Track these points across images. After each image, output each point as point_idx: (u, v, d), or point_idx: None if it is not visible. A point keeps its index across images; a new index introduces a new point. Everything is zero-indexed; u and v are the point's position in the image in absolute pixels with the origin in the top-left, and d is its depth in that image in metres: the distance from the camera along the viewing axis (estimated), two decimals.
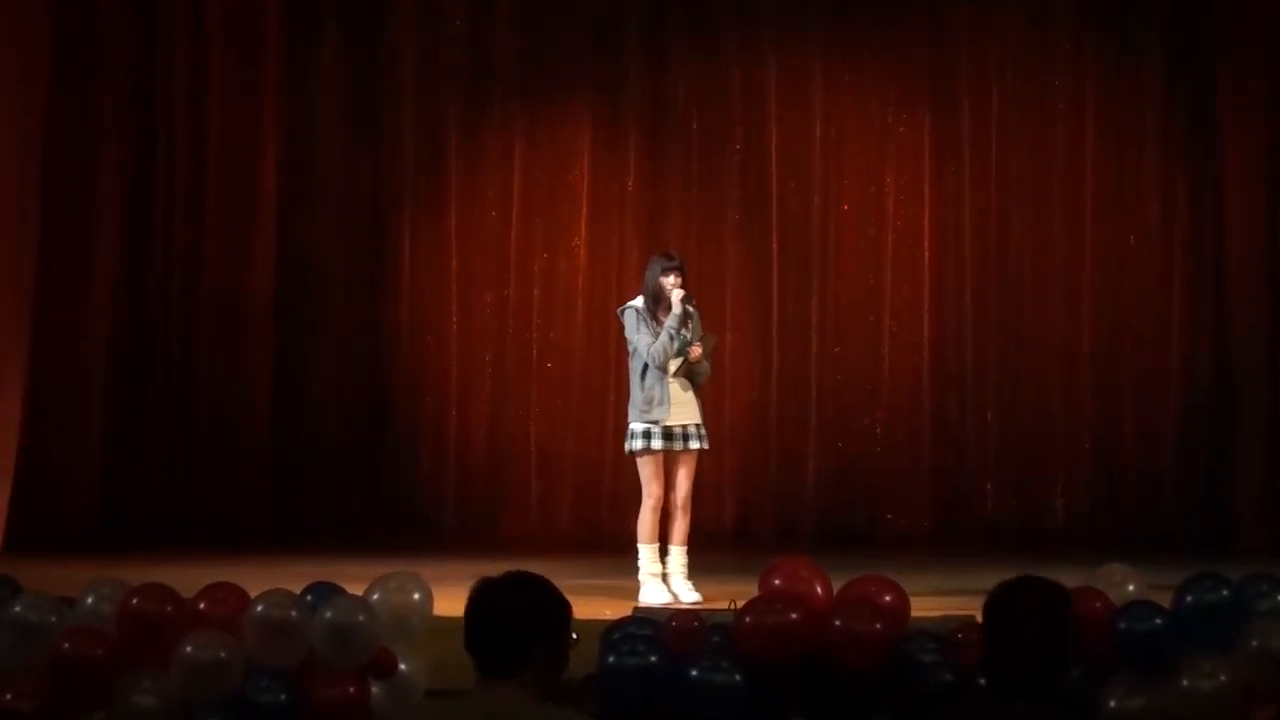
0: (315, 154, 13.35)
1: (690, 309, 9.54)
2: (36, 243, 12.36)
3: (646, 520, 9.48)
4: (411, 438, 13.34)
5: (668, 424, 9.37)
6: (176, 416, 12.86)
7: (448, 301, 13.36)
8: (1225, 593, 6.69)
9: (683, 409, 9.42)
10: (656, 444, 9.36)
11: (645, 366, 9.42)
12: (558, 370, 13.33)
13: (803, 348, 13.16)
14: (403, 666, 6.75)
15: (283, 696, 6.49)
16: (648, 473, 9.43)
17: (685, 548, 9.52)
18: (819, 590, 7.06)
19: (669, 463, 9.47)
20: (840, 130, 13.31)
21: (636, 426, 9.42)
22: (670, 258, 9.71)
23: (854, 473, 13.24)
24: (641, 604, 9.13)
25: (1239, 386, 12.68)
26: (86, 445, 12.63)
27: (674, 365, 9.40)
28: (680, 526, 9.49)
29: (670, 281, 9.47)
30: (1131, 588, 6.88)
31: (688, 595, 9.32)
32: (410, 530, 12.85)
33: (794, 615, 6.78)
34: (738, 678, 6.67)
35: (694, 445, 9.45)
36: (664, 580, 9.50)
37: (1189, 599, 6.69)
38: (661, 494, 9.45)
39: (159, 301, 12.90)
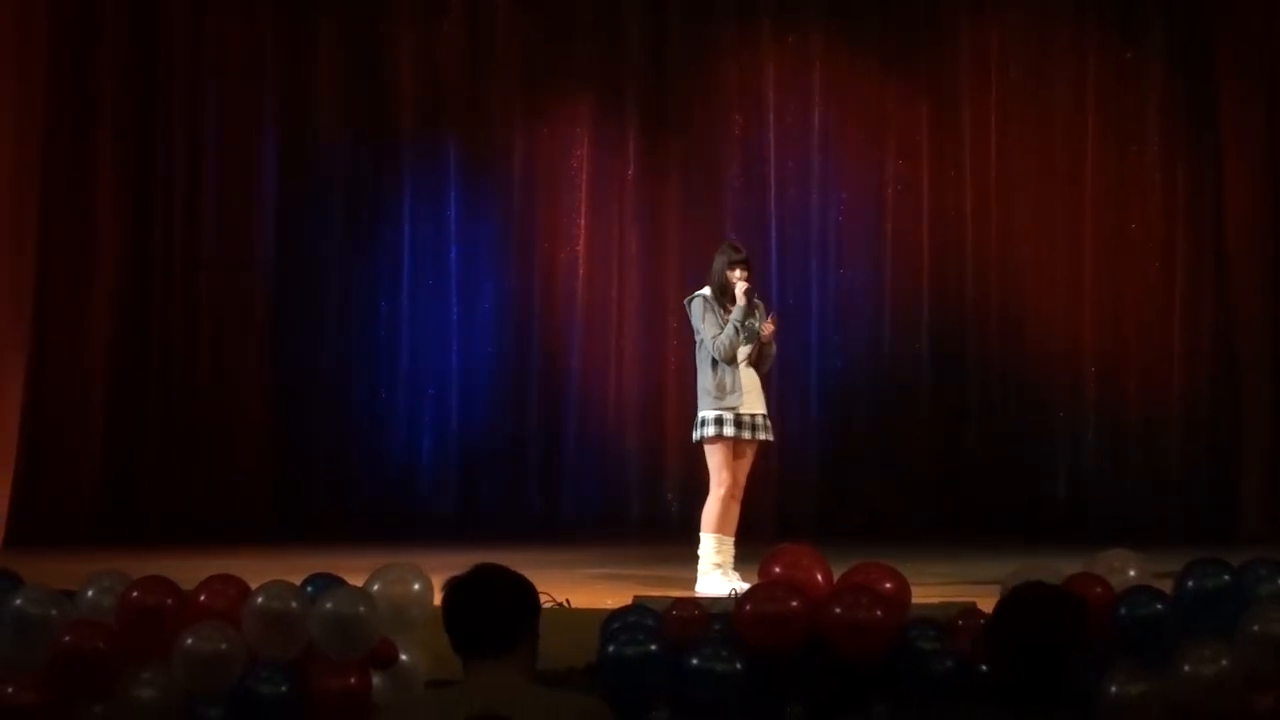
0: (314, 147, 13.33)
1: (756, 301, 9.42)
2: (37, 241, 12.39)
3: (716, 509, 9.19)
4: (414, 429, 13.34)
5: (741, 412, 9.19)
6: (177, 410, 12.85)
7: (447, 293, 13.34)
8: (1226, 578, 6.69)
9: (754, 398, 9.25)
10: (729, 431, 9.14)
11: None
12: (559, 360, 13.32)
13: (802, 336, 13.13)
14: (403, 657, 6.75)
15: (284, 688, 6.50)
16: (718, 460, 9.20)
17: (733, 538, 9.27)
18: (819, 578, 7.06)
19: (734, 451, 9.26)
20: (839, 119, 13.29)
21: (708, 414, 9.20)
22: (738, 250, 9.50)
23: (856, 459, 13.23)
24: (700, 595, 8.91)
25: (1241, 372, 12.68)
26: (88, 439, 12.63)
27: (743, 352, 9.23)
28: (732, 516, 9.26)
29: (738, 275, 9.31)
30: (1132, 573, 6.88)
31: (738, 584, 8.90)
32: (412, 521, 12.84)
33: (794, 603, 6.78)
34: (738, 666, 6.67)
35: (762, 436, 9.27)
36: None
37: (1190, 584, 6.68)
38: (733, 482, 9.21)
39: (160, 296, 12.89)
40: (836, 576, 7.06)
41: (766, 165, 13.26)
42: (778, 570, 7.12)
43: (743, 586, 8.71)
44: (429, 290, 13.39)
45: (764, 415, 9.29)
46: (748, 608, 6.83)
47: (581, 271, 13.32)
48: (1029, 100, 13.18)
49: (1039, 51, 13.19)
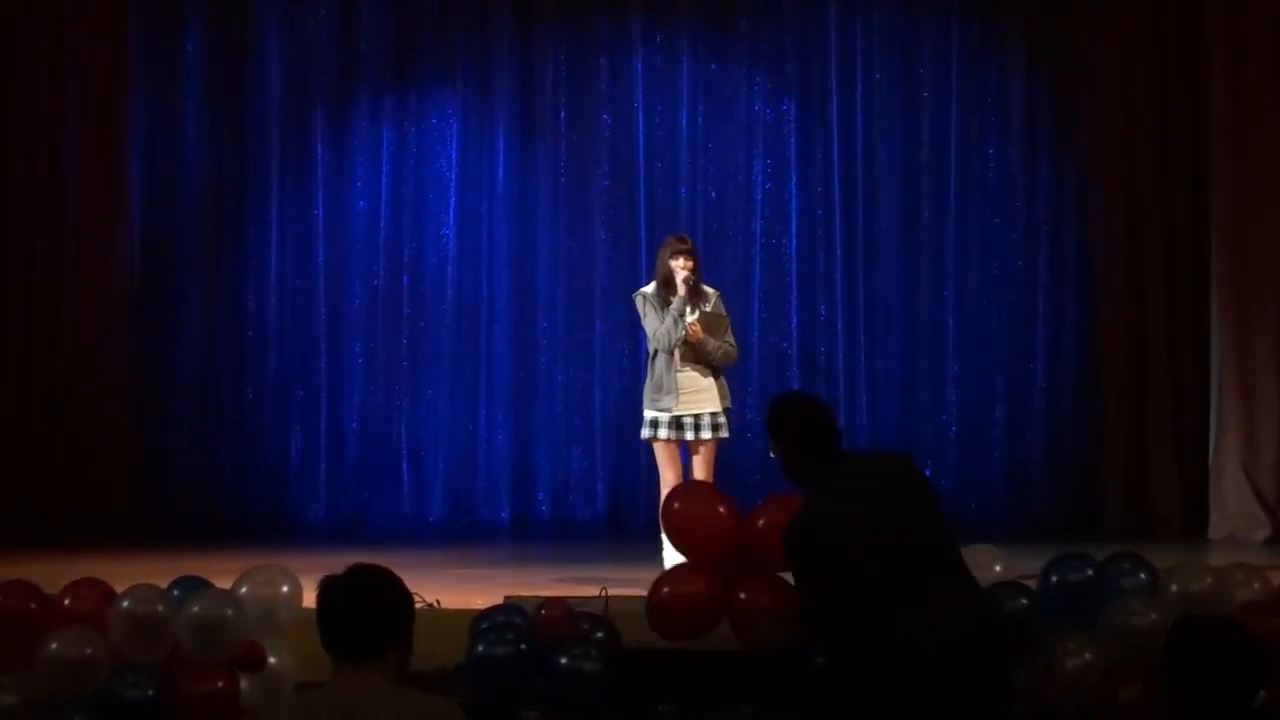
0: (179, 144, 13.20)
1: (710, 291, 9.34)
2: None
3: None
4: (281, 430, 13.24)
5: (677, 413, 9.11)
6: (39, 411, 12.64)
7: (316, 292, 13.26)
8: (1089, 572, 6.80)
9: (697, 397, 9.16)
10: (662, 433, 9.10)
11: (656, 352, 9.21)
12: (427, 360, 13.28)
13: None
14: (272, 660, 6.71)
15: (150, 692, 6.44)
16: (661, 460, 9.17)
17: None
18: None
19: (686, 451, 9.18)
20: (708, 117, 13.33)
21: (647, 414, 9.18)
22: (682, 240, 9.40)
23: (727, 459, 13.23)
24: None
25: (1105, 369, 12.84)
26: None
27: (679, 351, 9.15)
28: None
29: (679, 265, 9.22)
30: (998, 569, 6.97)
31: None
32: (280, 522, 12.77)
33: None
34: (607, 665, 6.70)
35: (705, 435, 9.16)
36: None
37: (1054, 579, 6.78)
38: (676, 479, 9.09)
39: (19, 296, 12.65)
40: None
41: (635, 163, 13.27)
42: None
43: None
44: (296, 290, 13.30)
45: (712, 413, 9.17)
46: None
47: (450, 271, 13.28)
48: (895, 99, 13.28)
49: (905, 50, 13.28)
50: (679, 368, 9.17)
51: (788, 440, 5.90)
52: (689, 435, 9.13)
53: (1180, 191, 12.66)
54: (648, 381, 9.29)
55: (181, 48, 13.23)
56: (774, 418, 6.02)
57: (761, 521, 6.87)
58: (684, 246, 9.29)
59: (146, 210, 13.09)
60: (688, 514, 7.13)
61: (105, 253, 12.83)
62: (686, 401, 9.16)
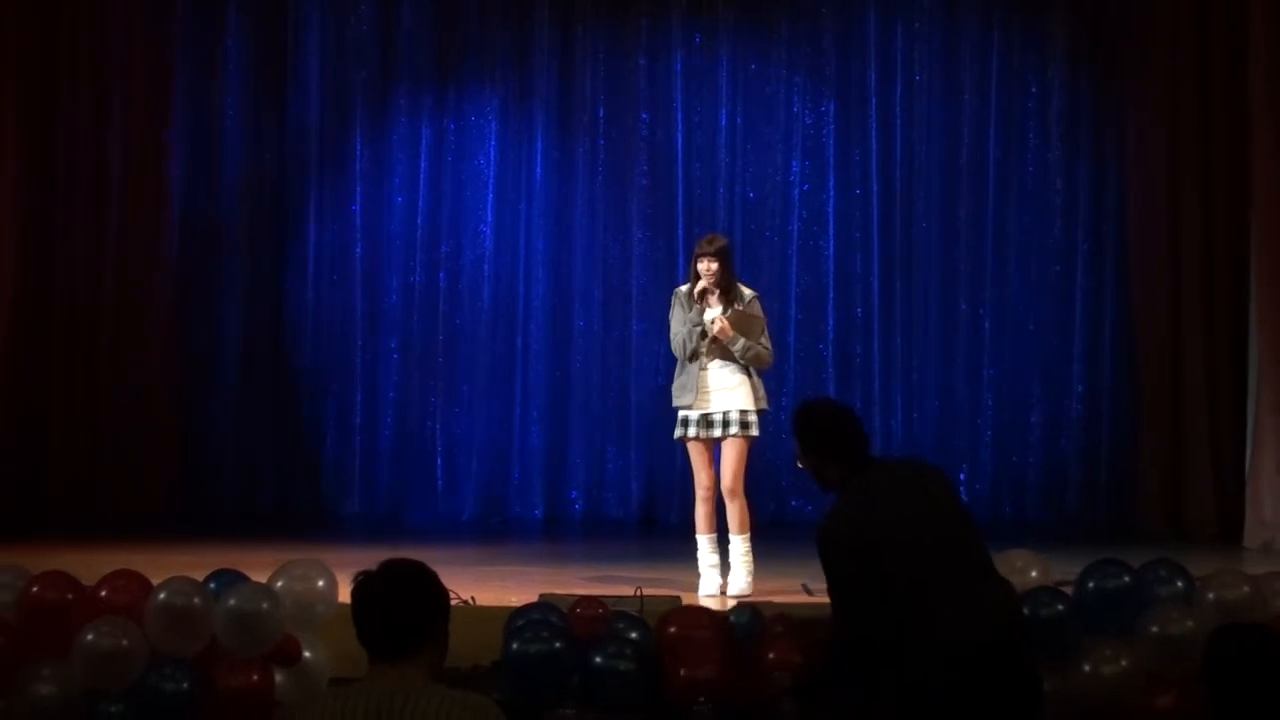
0: (221, 140, 13.24)
1: (748, 291, 9.17)
2: None
3: (699, 510, 9.02)
4: (317, 425, 13.28)
5: (705, 411, 8.97)
6: (81, 404, 12.66)
7: (353, 288, 13.30)
8: (1126, 579, 6.78)
9: (723, 396, 8.98)
10: (692, 431, 8.97)
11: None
12: (463, 356, 13.30)
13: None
14: (307, 654, 6.72)
15: (185, 685, 6.46)
16: (694, 460, 9.04)
17: (743, 535, 8.93)
18: None
19: (699, 450, 9.04)
20: (746, 118, 13.32)
21: (678, 413, 9.06)
22: (710, 241, 9.19)
23: (760, 460, 13.21)
24: (700, 595, 8.74)
25: (1141, 372, 12.77)
26: None
27: (704, 348, 8.99)
28: (731, 514, 8.94)
29: (703, 269, 9.05)
30: (1034, 574, 6.95)
31: (738, 585, 8.78)
32: (315, 518, 12.79)
33: None
34: (641, 664, 6.69)
35: (734, 432, 8.94)
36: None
37: (1090, 585, 6.77)
38: (708, 481, 8.97)
39: (63, 291, 12.65)
40: None
41: (674, 163, 13.27)
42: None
43: (741, 584, 8.74)
44: (334, 286, 13.33)
45: (741, 410, 8.97)
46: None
47: (487, 269, 13.30)
48: (934, 99, 13.25)
49: (944, 51, 13.26)
50: (704, 365, 9.08)
51: (815, 448, 5.88)
52: (717, 433, 9.02)
53: (1220, 197, 12.57)
54: (674, 381, 9.15)
55: (223, 44, 13.28)
56: (800, 425, 5.97)
57: (772, 655, 6.78)
58: (708, 249, 9.08)
59: (187, 206, 13.12)
60: (685, 639, 6.90)
61: (146, 249, 12.85)
62: (710, 399, 9.01)
